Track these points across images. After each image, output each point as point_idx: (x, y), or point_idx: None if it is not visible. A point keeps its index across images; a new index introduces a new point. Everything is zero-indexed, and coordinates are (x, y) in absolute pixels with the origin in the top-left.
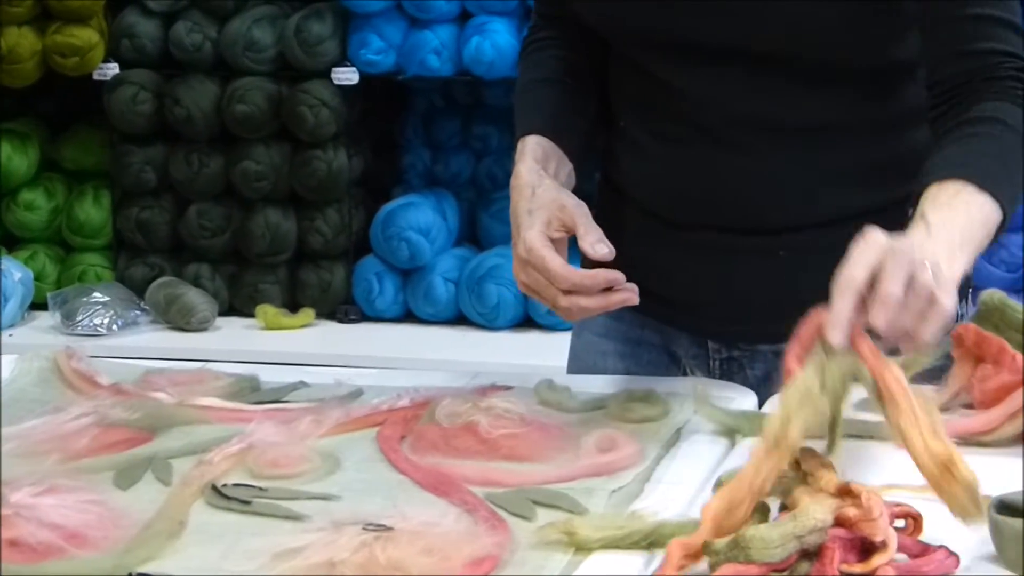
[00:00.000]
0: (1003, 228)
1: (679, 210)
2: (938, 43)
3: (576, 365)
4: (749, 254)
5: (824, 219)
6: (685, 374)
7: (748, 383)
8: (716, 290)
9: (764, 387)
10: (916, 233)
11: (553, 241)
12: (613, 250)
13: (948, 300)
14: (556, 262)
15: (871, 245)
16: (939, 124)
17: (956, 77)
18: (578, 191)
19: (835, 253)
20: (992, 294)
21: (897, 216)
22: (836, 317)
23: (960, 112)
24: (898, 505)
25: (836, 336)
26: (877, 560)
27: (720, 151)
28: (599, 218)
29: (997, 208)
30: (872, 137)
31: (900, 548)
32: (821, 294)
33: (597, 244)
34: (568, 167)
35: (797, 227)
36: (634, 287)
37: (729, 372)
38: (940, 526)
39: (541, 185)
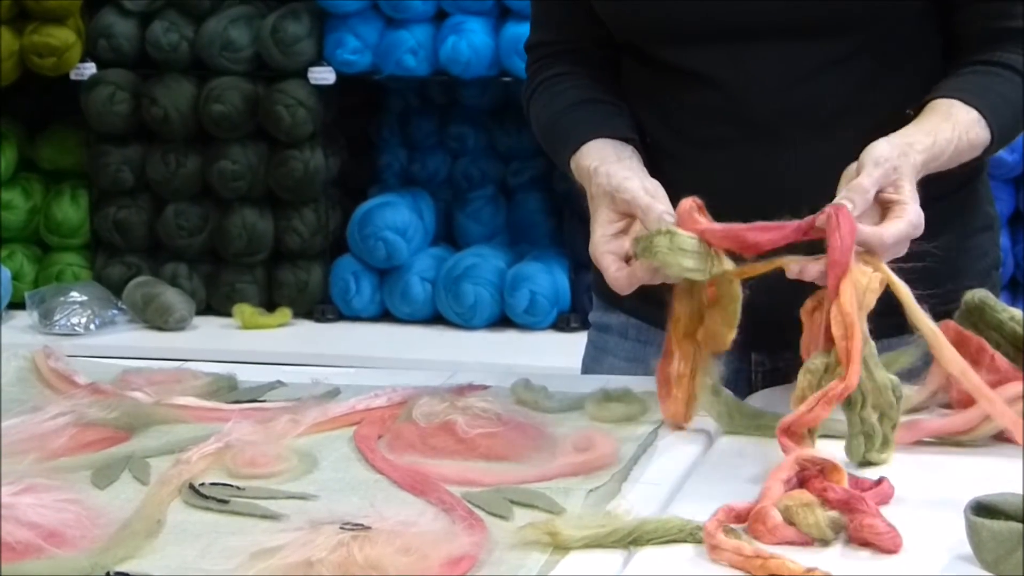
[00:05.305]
0: (992, 149)
1: (723, 215)
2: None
3: None
4: (796, 253)
5: None
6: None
7: None
8: (764, 295)
9: None
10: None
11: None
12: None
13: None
14: (611, 269)
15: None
16: (951, 68)
17: (979, 47)
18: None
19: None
20: (974, 293)
21: (952, 205)
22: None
23: (972, 59)
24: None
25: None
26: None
27: (760, 147)
28: None
29: (982, 121)
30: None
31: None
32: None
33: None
34: (634, 152)
35: None
36: None
37: (772, 385)
38: (913, 523)
39: (595, 177)
